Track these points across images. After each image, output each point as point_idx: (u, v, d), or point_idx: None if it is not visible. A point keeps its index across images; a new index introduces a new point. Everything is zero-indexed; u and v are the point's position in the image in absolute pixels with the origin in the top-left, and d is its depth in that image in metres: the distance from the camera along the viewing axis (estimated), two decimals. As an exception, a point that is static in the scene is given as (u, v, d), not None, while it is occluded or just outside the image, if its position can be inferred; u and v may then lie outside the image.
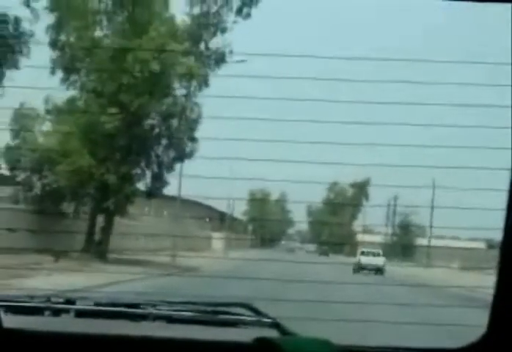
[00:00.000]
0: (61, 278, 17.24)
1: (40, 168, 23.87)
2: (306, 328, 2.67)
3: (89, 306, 2.69)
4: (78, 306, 2.68)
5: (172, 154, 26.43)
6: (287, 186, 51.77)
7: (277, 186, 63.25)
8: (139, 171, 25.96)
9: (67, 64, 23.94)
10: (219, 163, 35.74)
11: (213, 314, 2.67)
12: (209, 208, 55.65)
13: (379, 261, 33.97)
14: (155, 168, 26.51)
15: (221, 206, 59.48)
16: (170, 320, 2.67)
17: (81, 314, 2.68)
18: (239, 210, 71.45)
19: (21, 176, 24.12)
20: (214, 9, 26.03)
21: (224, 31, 25.75)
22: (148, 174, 26.49)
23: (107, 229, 25.93)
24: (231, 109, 23.62)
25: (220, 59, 25.89)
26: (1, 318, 2.26)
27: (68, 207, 25.44)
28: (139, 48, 23.19)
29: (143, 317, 2.64)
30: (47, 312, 2.64)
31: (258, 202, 75.31)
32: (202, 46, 26.24)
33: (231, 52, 25.77)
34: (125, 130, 24.05)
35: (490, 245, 49.13)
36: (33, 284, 15.18)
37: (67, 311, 2.66)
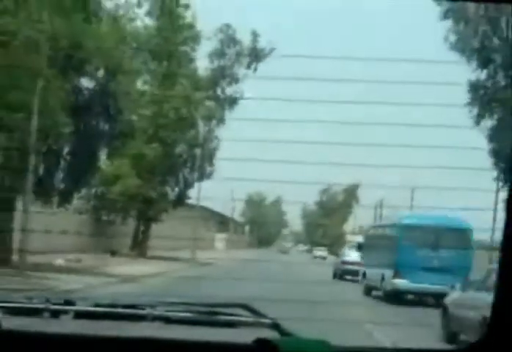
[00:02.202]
0: (131, 267, 26.17)
1: (99, 187, 32.91)
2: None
3: (88, 307, 2.75)
4: (77, 307, 2.73)
5: (194, 175, 35.66)
6: (283, 191, 60.46)
7: (274, 191, 72.51)
8: (170, 188, 35.23)
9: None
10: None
11: (211, 314, 2.74)
12: (212, 212, 63.71)
13: (324, 253, 63.51)
14: (182, 185, 35.73)
15: (223, 209, 68.02)
16: (169, 320, 2.74)
17: (79, 315, 2.74)
18: (238, 212, 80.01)
19: (84, 192, 33.00)
20: (228, 64, 35.31)
21: (236, 81, 34.99)
22: (176, 190, 35.76)
23: (146, 232, 35.26)
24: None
25: (233, 101, 35.15)
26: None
27: (117, 216, 34.49)
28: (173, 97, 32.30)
29: (142, 318, 2.70)
30: (46, 313, 2.69)
31: (255, 205, 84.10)
32: (220, 91, 35.52)
33: (242, 96, 35.06)
34: (161, 158, 33.09)
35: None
36: (118, 270, 24.17)
37: (65, 312, 2.72)
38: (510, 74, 28.17)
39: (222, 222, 70.36)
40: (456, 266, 17.62)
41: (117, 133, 22.60)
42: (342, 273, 31.31)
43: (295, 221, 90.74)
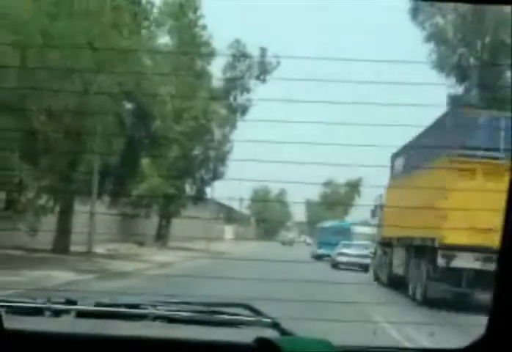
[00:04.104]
0: (160, 255, 31.27)
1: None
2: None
3: (90, 307, 2.81)
4: (79, 306, 2.79)
5: (209, 174, 41.02)
6: (288, 184, 65.15)
7: (278, 184, 77.65)
8: (189, 186, 40.61)
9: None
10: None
11: (212, 314, 2.82)
12: (221, 205, 68.59)
13: (309, 240, 74.71)
14: (199, 183, 41.08)
15: (231, 203, 72.86)
16: (170, 320, 2.80)
17: (81, 314, 2.80)
18: (244, 204, 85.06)
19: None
20: (240, 75, 40.58)
21: (248, 90, 40.30)
22: (194, 188, 41.15)
23: (168, 226, 40.63)
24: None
25: (244, 109, 40.47)
26: (1, 319, 2.35)
27: (141, 211, 39.79)
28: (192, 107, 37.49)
29: (143, 318, 2.78)
30: (47, 313, 2.76)
31: (261, 198, 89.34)
32: (232, 100, 40.82)
33: (251, 104, 40.38)
34: (181, 160, 38.37)
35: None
36: (152, 258, 29.32)
37: (67, 311, 2.78)
38: (483, 88, 33.27)
39: (230, 215, 75.31)
40: None
41: (155, 143, 28.14)
42: None
43: (299, 212, 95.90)
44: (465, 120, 17.28)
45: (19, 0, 16.37)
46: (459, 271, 17.13)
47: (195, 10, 38.43)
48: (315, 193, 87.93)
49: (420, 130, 20.96)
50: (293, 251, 54.24)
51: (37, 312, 2.79)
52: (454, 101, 33.82)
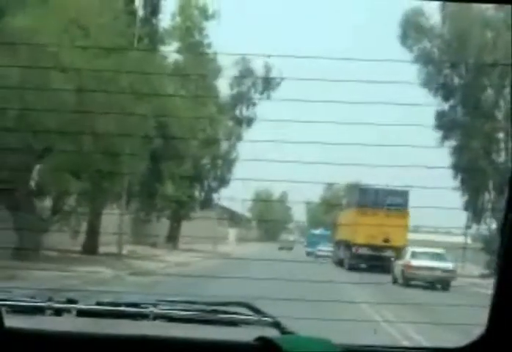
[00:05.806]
0: (174, 256, 35.01)
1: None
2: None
3: (91, 306, 2.86)
4: (80, 305, 2.84)
5: (216, 182, 44.87)
6: (289, 188, 68.06)
7: (280, 187, 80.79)
8: (198, 192, 44.45)
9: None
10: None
11: (213, 313, 2.86)
12: (225, 209, 71.89)
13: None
14: (207, 190, 44.93)
15: (233, 206, 76.20)
16: (171, 319, 2.85)
17: (82, 313, 2.84)
18: (247, 207, 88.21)
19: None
20: (245, 90, 44.42)
21: (253, 105, 44.15)
22: (203, 194, 45.00)
23: (178, 229, 44.46)
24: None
25: (250, 122, 44.32)
26: (2, 318, 2.34)
27: (152, 216, 43.60)
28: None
29: (144, 317, 2.83)
30: (48, 312, 2.81)
31: (263, 202, 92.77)
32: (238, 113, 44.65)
33: (256, 117, 44.20)
34: (192, 170, 42.17)
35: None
36: (168, 258, 33.02)
37: (68, 310, 2.83)
38: (467, 105, 37.04)
39: (233, 218, 78.72)
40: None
41: (173, 155, 32.48)
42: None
43: (300, 216, 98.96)
44: (365, 192, 38.62)
45: (68, 48, 20.21)
46: (362, 255, 36.27)
47: (200, 31, 42.25)
48: (315, 197, 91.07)
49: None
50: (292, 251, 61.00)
51: (39, 310, 2.85)
52: (440, 117, 37.63)
